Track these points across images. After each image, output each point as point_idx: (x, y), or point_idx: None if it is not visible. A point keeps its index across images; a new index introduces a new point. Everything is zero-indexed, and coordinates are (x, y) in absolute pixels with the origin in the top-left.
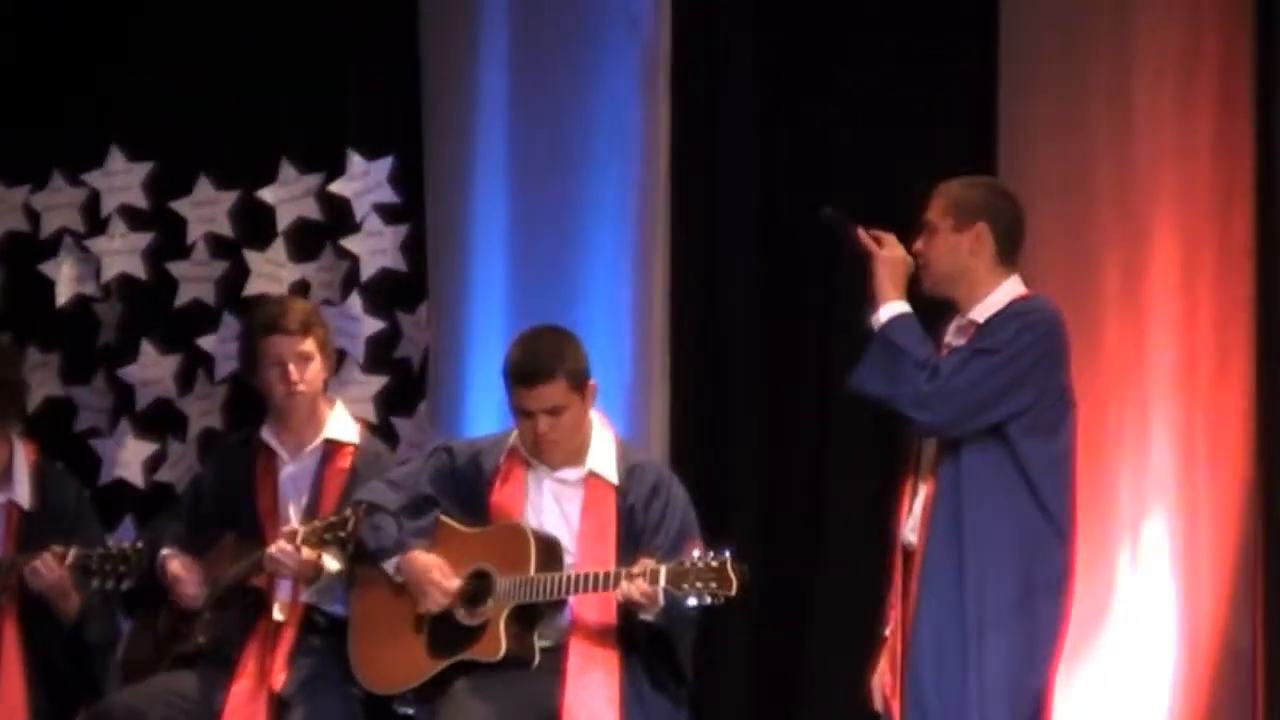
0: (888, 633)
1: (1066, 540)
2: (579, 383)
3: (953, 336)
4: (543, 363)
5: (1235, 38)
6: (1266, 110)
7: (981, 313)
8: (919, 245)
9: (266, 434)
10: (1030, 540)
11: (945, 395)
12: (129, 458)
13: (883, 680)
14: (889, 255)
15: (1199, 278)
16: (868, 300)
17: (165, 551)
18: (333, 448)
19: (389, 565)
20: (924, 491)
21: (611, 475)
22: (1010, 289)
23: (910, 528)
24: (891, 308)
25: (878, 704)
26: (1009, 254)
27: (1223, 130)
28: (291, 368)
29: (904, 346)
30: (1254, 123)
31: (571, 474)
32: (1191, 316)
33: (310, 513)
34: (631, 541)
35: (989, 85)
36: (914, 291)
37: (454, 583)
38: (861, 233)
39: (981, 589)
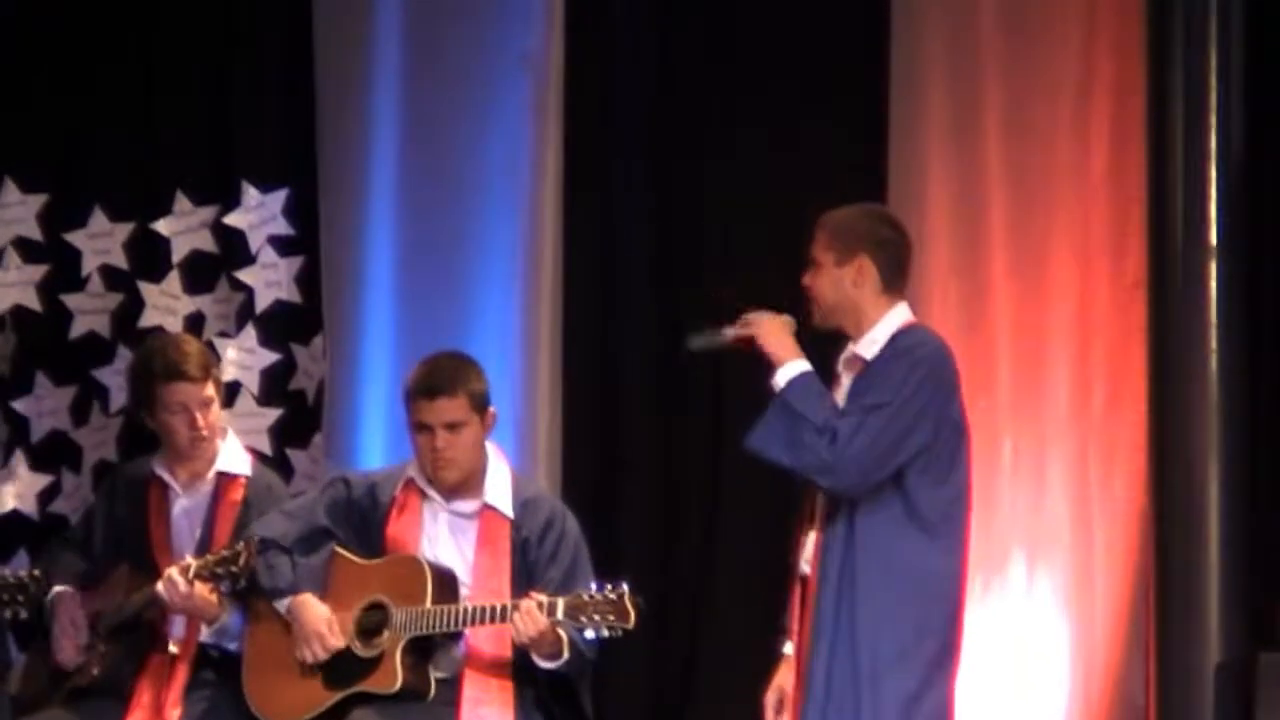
0: (788, 651)
1: (958, 572)
2: (479, 404)
3: (842, 368)
4: (446, 377)
5: (1129, 68)
6: (1160, 141)
7: (868, 347)
8: (806, 280)
9: (159, 467)
10: (922, 573)
11: (847, 460)
12: (23, 490)
13: (781, 695)
14: (765, 327)
15: (1093, 309)
16: (766, 369)
17: (59, 589)
18: (225, 480)
19: (281, 605)
20: (819, 523)
21: (507, 508)
22: (895, 318)
23: (805, 559)
24: (788, 370)
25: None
26: (894, 282)
27: (1117, 161)
28: (197, 415)
29: (802, 412)
30: (1148, 154)
31: (467, 506)
32: (1086, 348)
33: (203, 546)
34: (525, 575)
35: (878, 118)
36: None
37: (339, 641)
38: (730, 333)
39: (873, 623)
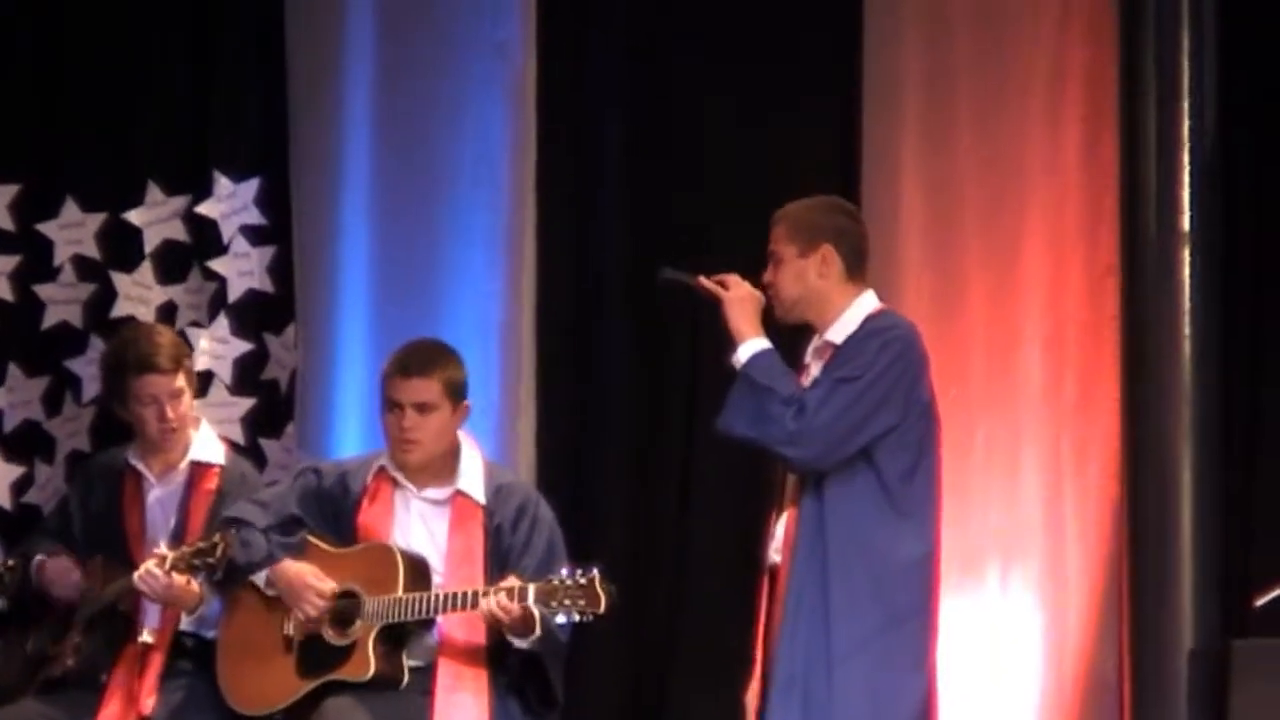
0: (759, 652)
1: (930, 558)
2: (454, 392)
3: (811, 358)
4: (423, 359)
5: (1101, 55)
6: (1132, 128)
7: (838, 333)
8: (767, 276)
9: (133, 457)
10: (894, 556)
11: (813, 430)
12: None
13: (754, 699)
14: (736, 295)
15: (1066, 297)
16: (728, 343)
17: (40, 558)
18: (199, 470)
19: (259, 578)
20: (789, 512)
21: (479, 495)
22: (863, 305)
23: (774, 548)
24: (750, 346)
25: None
26: (857, 270)
27: (1089, 148)
28: (168, 407)
29: (767, 384)
30: (1120, 141)
31: (439, 493)
32: (1058, 336)
33: (177, 536)
34: (499, 561)
35: (852, 107)
36: (771, 321)
37: (329, 584)
38: (704, 282)
39: (845, 608)
